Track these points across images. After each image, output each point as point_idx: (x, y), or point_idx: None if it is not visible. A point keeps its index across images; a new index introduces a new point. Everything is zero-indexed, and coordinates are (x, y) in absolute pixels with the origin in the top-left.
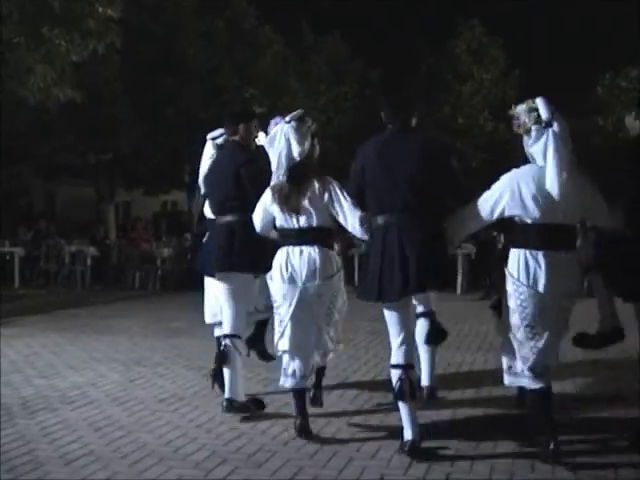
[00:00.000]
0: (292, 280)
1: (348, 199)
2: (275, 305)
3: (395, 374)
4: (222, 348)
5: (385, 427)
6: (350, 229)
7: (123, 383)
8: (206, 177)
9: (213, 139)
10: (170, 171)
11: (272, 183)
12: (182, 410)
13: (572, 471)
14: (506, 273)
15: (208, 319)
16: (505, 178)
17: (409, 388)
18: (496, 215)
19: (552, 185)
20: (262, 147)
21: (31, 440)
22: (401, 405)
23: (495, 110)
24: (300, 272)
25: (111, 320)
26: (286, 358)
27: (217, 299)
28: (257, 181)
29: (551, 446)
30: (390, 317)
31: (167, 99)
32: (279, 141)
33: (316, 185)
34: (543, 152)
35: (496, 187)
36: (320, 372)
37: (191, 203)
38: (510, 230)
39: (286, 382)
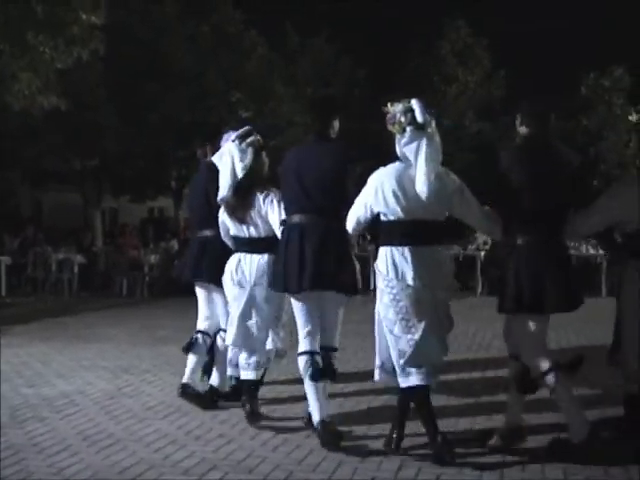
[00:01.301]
0: (241, 284)
1: (280, 209)
2: (229, 304)
3: (302, 359)
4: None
5: (374, 430)
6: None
7: (111, 391)
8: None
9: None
10: (156, 177)
11: (220, 197)
12: (170, 417)
13: (562, 470)
14: (376, 271)
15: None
16: (372, 176)
17: (317, 369)
18: (368, 214)
19: (422, 186)
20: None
21: (20, 450)
22: (310, 386)
23: (480, 111)
24: (249, 277)
25: (99, 328)
26: (234, 351)
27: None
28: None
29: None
30: (296, 308)
31: (152, 104)
32: (225, 159)
33: (260, 198)
34: (415, 153)
35: (366, 186)
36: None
37: (178, 209)
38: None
39: (233, 372)
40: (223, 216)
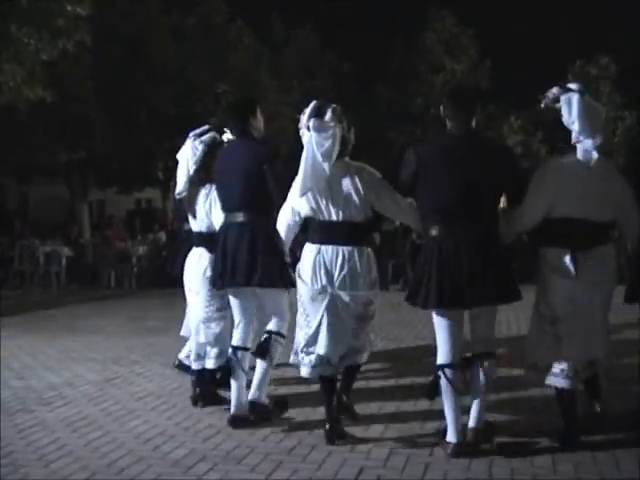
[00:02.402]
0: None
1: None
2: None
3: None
4: None
5: (364, 420)
6: None
7: (99, 383)
8: None
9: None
10: (143, 169)
11: (177, 191)
12: (160, 408)
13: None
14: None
15: None
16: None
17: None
18: (296, 217)
19: (296, 185)
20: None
21: (10, 442)
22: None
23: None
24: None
25: (87, 319)
26: (208, 347)
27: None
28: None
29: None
30: (232, 303)
31: (138, 97)
32: (181, 156)
33: (203, 194)
34: (303, 154)
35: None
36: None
37: (166, 200)
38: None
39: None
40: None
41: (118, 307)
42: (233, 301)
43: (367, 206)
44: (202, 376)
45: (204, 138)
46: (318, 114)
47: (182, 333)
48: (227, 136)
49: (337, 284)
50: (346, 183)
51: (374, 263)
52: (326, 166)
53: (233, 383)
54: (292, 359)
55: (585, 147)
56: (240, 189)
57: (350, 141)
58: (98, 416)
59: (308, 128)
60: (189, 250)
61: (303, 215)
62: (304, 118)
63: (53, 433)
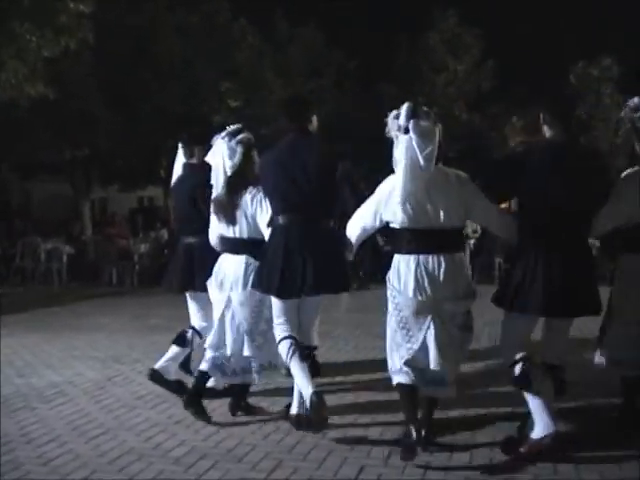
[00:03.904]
0: (222, 286)
1: (268, 208)
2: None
3: (283, 345)
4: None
5: (363, 419)
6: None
7: (101, 381)
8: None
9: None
10: (146, 166)
11: (212, 196)
12: (161, 407)
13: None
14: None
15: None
16: (380, 186)
17: (302, 351)
18: (377, 222)
19: (398, 191)
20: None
21: (11, 440)
22: (298, 366)
23: (470, 101)
24: (229, 279)
25: (89, 317)
26: (209, 353)
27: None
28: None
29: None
30: (275, 304)
31: (142, 94)
32: (216, 157)
33: (247, 197)
34: (400, 159)
35: (372, 199)
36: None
37: (168, 197)
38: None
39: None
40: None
41: (120, 305)
42: (280, 304)
43: (463, 212)
44: (239, 388)
45: (240, 138)
46: (414, 116)
47: (206, 345)
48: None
49: (442, 294)
50: (445, 189)
51: (469, 270)
52: (428, 170)
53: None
54: (394, 380)
55: None
56: (305, 188)
57: (443, 146)
58: (99, 414)
59: (406, 130)
60: (207, 263)
61: (396, 222)
62: (398, 120)
63: (54, 431)
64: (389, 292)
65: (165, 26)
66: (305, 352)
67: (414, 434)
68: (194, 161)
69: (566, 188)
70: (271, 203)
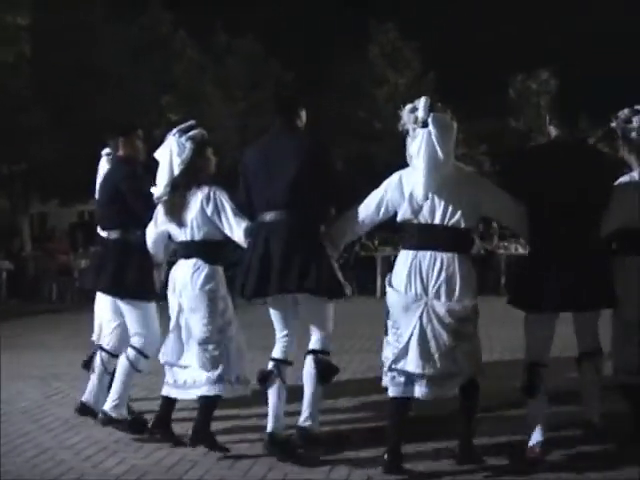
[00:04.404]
0: (173, 291)
1: (232, 210)
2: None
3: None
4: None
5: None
6: (236, 239)
7: (40, 400)
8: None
9: (107, 155)
10: (87, 180)
11: (156, 195)
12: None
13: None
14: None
15: None
16: (387, 181)
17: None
18: (379, 215)
19: (419, 186)
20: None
21: None
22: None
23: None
24: (179, 284)
25: (29, 335)
26: (167, 368)
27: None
28: (139, 195)
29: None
30: (271, 314)
31: (82, 107)
32: (164, 154)
33: (200, 196)
34: (417, 152)
35: (378, 190)
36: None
37: None
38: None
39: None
40: (160, 217)
41: (60, 321)
42: (273, 312)
43: (476, 212)
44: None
45: (192, 134)
46: (433, 109)
47: (161, 360)
48: None
49: (432, 292)
50: (459, 186)
51: (474, 274)
52: (447, 165)
53: (272, 398)
54: (384, 381)
55: None
56: (288, 184)
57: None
58: (37, 433)
59: (424, 124)
60: (128, 263)
61: (404, 215)
62: (414, 113)
63: None
64: (387, 289)
65: (105, 38)
66: (317, 358)
67: (386, 456)
68: (120, 153)
69: (577, 186)
70: (253, 200)
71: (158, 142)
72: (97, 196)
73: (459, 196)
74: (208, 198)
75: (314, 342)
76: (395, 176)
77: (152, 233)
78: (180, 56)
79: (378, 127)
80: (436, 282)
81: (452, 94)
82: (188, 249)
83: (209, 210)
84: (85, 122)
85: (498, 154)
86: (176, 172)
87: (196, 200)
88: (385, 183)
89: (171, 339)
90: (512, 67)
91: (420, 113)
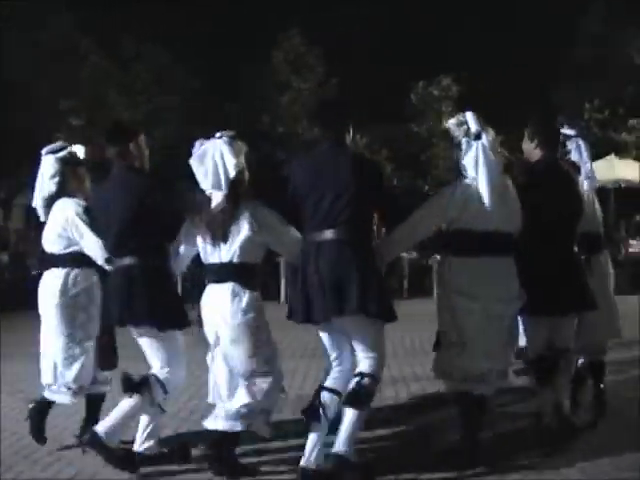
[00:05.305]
0: (210, 323)
1: (284, 225)
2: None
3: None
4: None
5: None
6: (286, 256)
7: None
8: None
9: (54, 153)
10: None
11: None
12: (2, 436)
13: None
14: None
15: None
16: (441, 198)
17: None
18: (432, 231)
19: (484, 195)
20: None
21: None
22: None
23: (314, 119)
24: (216, 312)
25: None
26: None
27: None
28: (173, 210)
29: None
30: (322, 337)
31: None
32: (207, 159)
33: (248, 211)
34: (474, 164)
35: (432, 207)
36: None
37: (7, 219)
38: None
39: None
40: (187, 235)
41: None
42: (325, 335)
43: (518, 218)
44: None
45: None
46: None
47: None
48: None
49: (493, 294)
50: (508, 194)
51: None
52: (501, 175)
53: (312, 432)
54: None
55: (594, 182)
56: (344, 203)
57: None
58: None
59: (477, 137)
60: (159, 291)
61: (465, 224)
62: (463, 127)
63: None
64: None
65: (6, 42)
66: (361, 381)
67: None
68: (130, 162)
69: (565, 201)
70: (302, 219)
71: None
72: (103, 216)
73: (513, 203)
74: (256, 214)
75: (365, 366)
76: (452, 191)
77: (179, 253)
78: (83, 60)
79: (281, 131)
80: (499, 285)
81: (354, 100)
82: (222, 272)
83: (257, 227)
84: None
85: (399, 159)
86: (232, 175)
87: (242, 216)
88: (441, 200)
89: (215, 376)
90: (414, 73)
91: (473, 126)
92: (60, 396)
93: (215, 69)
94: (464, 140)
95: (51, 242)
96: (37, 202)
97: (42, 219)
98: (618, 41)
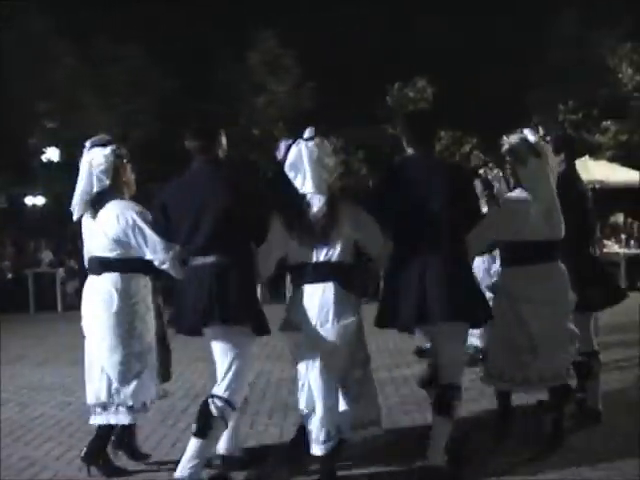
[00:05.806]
0: (300, 326)
1: (375, 225)
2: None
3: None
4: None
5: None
6: (375, 257)
7: None
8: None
9: (101, 146)
10: None
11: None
12: None
13: None
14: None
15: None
16: (509, 209)
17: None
18: (507, 237)
19: (542, 208)
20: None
21: None
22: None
23: (290, 121)
24: (311, 315)
25: None
26: (310, 419)
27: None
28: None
29: None
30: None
31: None
32: (309, 160)
33: (345, 211)
34: (537, 181)
35: (506, 210)
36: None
37: None
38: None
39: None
40: (276, 236)
41: None
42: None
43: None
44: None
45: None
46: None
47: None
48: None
49: (547, 298)
50: (556, 206)
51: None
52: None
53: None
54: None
55: None
56: (441, 208)
57: None
58: None
59: (538, 154)
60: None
61: (514, 235)
62: (527, 144)
63: None
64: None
65: None
66: (444, 391)
67: None
68: (218, 155)
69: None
70: (396, 225)
71: (32, 151)
72: (186, 212)
73: (559, 214)
74: (353, 213)
75: (446, 376)
76: (519, 205)
77: (271, 254)
78: (57, 61)
79: (257, 134)
80: (546, 288)
81: (331, 102)
82: (320, 271)
83: (356, 226)
84: None
85: (375, 161)
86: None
87: (342, 216)
88: (510, 211)
89: (306, 382)
90: (390, 75)
91: (536, 144)
92: (118, 417)
93: (190, 70)
94: (529, 158)
95: (103, 246)
96: (80, 198)
97: (76, 217)
98: (592, 42)
